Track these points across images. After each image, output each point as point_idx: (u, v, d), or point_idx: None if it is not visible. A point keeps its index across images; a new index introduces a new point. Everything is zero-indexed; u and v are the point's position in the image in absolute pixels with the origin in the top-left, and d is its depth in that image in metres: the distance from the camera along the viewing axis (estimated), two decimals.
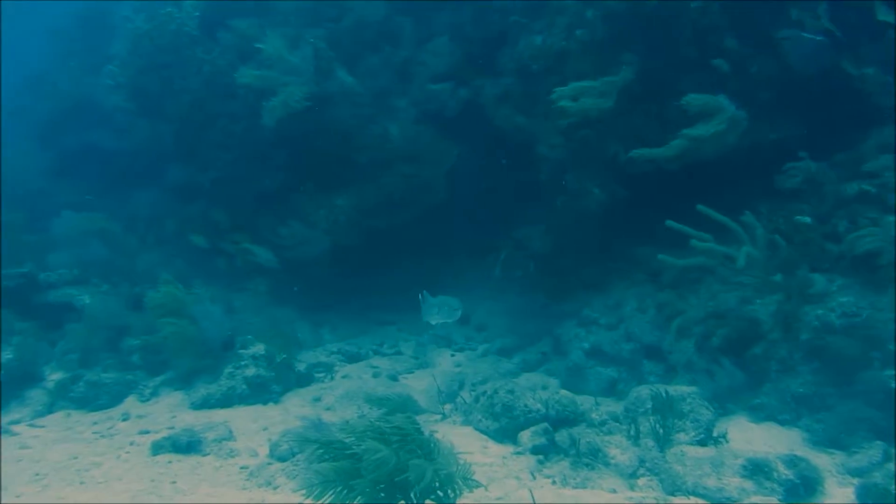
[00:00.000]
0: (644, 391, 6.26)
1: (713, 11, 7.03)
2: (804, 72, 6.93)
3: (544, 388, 7.59)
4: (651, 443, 5.65)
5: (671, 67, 7.42)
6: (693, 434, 5.66)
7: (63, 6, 15.10)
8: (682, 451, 5.40)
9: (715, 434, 5.71)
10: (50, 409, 8.00)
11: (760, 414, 6.09)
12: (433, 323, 6.79)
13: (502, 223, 9.85)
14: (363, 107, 10.11)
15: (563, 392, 6.76)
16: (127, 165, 12.37)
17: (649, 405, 6.02)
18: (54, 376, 8.30)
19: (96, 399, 8.11)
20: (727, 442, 5.64)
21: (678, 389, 6.08)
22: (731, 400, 6.31)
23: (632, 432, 5.83)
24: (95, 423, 7.61)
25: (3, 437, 7.11)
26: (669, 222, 6.38)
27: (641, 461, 5.50)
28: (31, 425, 7.57)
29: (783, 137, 7.25)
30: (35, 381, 8.24)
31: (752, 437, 5.79)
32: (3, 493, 5.60)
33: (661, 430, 5.63)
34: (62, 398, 8.08)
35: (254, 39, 9.80)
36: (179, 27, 10.41)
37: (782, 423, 5.97)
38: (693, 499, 5.05)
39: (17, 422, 7.60)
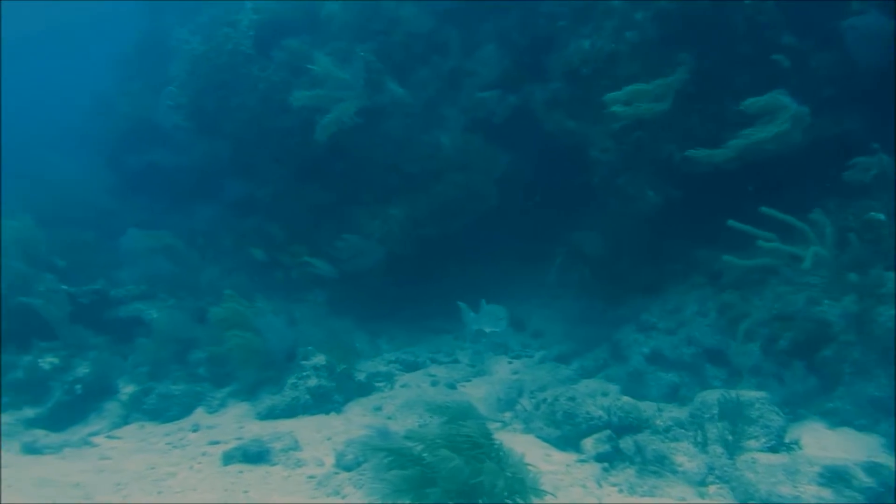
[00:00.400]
0: (709, 396, 6.14)
1: (768, 8, 6.89)
2: (867, 64, 6.72)
3: (604, 394, 7.49)
4: (720, 449, 5.54)
5: (726, 66, 7.29)
6: (764, 440, 5.52)
7: (126, 31, 15.73)
8: (752, 458, 5.28)
9: (787, 440, 5.55)
10: (125, 420, 8.28)
11: (834, 419, 5.86)
12: (485, 330, 6.81)
13: (555, 228, 9.81)
14: (414, 117, 10.24)
15: (625, 398, 6.68)
16: (187, 182, 12.79)
17: (715, 411, 5.90)
18: (127, 389, 8.59)
19: (167, 411, 8.37)
20: (800, 448, 5.47)
21: (745, 394, 5.94)
22: (803, 405, 6.11)
23: (699, 439, 5.73)
24: (167, 434, 7.86)
25: (84, 448, 7.42)
26: (732, 222, 6.26)
27: (710, 468, 5.40)
28: (109, 437, 7.86)
29: (846, 132, 7.04)
30: (110, 394, 8.54)
31: (826, 444, 5.60)
32: (84, 500, 5.84)
33: (730, 437, 5.52)
34: (136, 410, 8.37)
35: (306, 56, 10.03)
36: (235, 46, 10.72)
37: (859, 428, 5.73)
38: None
39: (96, 433, 7.91)
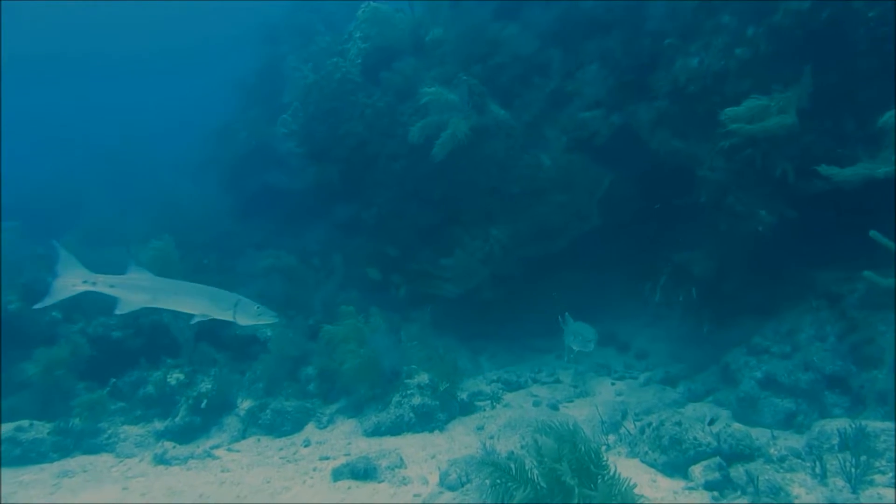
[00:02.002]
0: (829, 425, 5.85)
1: (891, 19, 6.56)
2: None
3: (714, 419, 7.30)
4: (841, 482, 5.27)
5: (845, 81, 6.98)
6: (891, 475, 5.21)
7: (247, 58, 16.74)
8: (879, 493, 5.00)
9: None
10: (244, 434, 8.78)
11: None
12: (574, 348, 6.70)
13: (660, 248, 9.63)
14: (516, 138, 10.35)
15: (736, 425, 6.48)
16: (299, 205, 13.44)
17: (836, 441, 5.63)
18: (245, 404, 9.09)
19: (281, 426, 8.80)
20: None
21: (870, 425, 5.63)
22: None
23: (817, 470, 5.48)
24: (281, 449, 8.26)
25: (207, 460, 7.93)
26: (874, 233, 5.98)
27: (831, 502, 5.15)
28: (229, 449, 8.36)
29: None
30: (230, 409, 9.08)
31: None
32: None
33: (853, 469, 5.24)
34: (253, 424, 8.85)
35: (411, 82, 10.39)
36: (344, 75, 11.24)
37: None
38: None
39: (217, 446, 8.43)
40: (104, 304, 10.10)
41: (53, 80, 37.69)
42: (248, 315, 5.26)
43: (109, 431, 8.49)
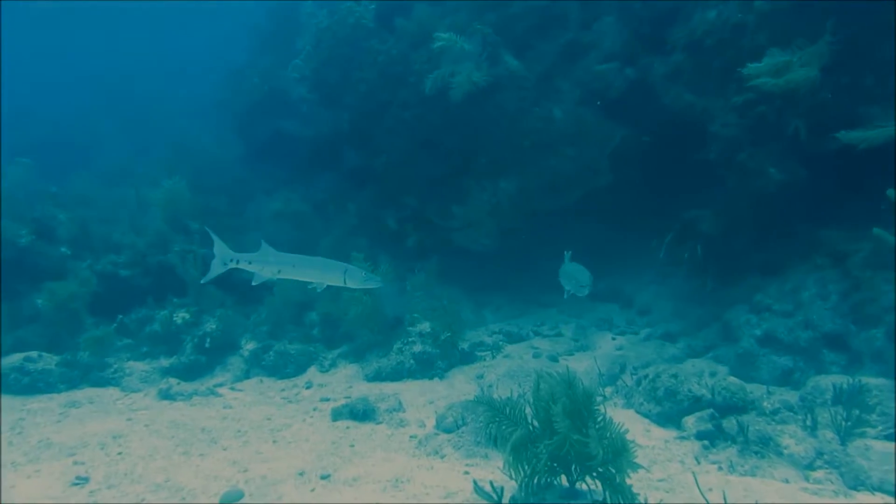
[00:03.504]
0: (823, 381, 5.90)
1: None
2: None
3: (712, 374, 7.35)
4: (831, 434, 5.31)
5: (865, 35, 6.79)
6: (881, 428, 5.26)
7: (259, 4, 16.51)
8: (866, 444, 5.05)
9: None
10: (247, 374, 8.97)
11: None
12: (567, 289, 6.64)
13: (669, 205, 9.55)
14: (528, 90, 10.22)
15: (732, 379, 6.51)
16: (310, 151, 13.42)
17: (829, 395, 5.66)
18: (249, 346, 9.25)
19: (284, 368, 8.96)
20: None
21: (864, 381, 5.65)
22: None
23: (808, 423, 5.52)
24: (283, 390, 8.43)
25: (210, 397, 8.11)
26: (891, 191, 5.91)
27: (819, 453, 5.20)
28: (232, 388, 8.55)
29: None
30: (234, 350, 9.25)
31: None
32: (211, 445, 6.40)
33: (843, 422, 5.27)
34: (256, 366, 9.03)
35: (426, 29, 10.23)
36: (358, 20, 11.09)
37: None
38: (879, 495, 4.71)
39: (221, 385, 8.63)
40: (112, 241, 10.33)
41: (70, 20, 37.42)
42: (356, 280, 5.94)
43: (116, 366, 8.68)
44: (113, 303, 9.31)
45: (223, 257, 6.06)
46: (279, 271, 6.00)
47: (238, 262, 6.05)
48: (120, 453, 6.06)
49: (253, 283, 6.09)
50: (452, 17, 10.46)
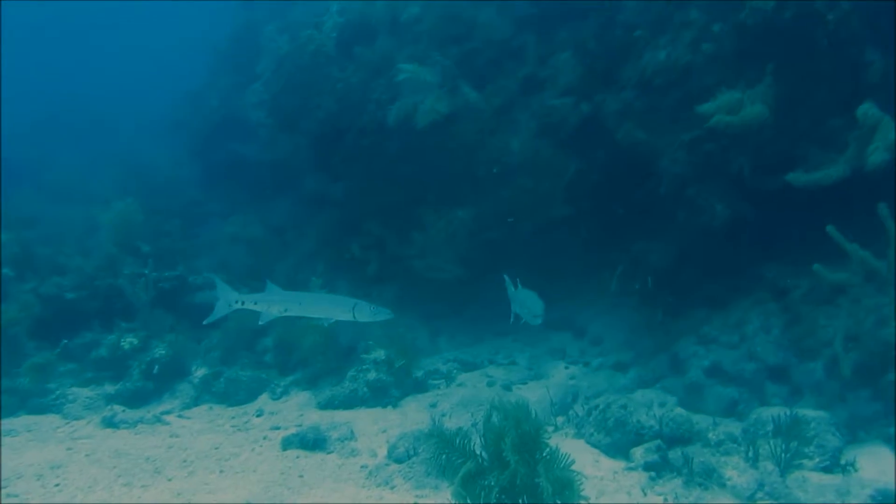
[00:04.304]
0: (766, 413, 6.06)
1: (853, 23, 6.71)
2: None
3: (661, 404, 7.46)
4: (771, 466, 5.46)
5: (804, 81, 7.14)
6: (818, 460, 5.43)
7: (219, 25, 16.41)
8: (804, 476, 5.21)
9: (842, 462, 5.45)
10: (196, 401, 8.79)
11: None
12: (520, 319, 6.52)
13: (620, 237, 9.77)
14: (486, 121, 10.38)
15: (679, 410, 6.66)
16: (267, 176, 13.35)
17: (770, 427, 5.82)
18: (199, 372, 9.09)
19: (235, 395, 8.83)
20: (856, 470, 5.37)
21: (804, 413, 5.84)
22: (864, 428, 5.98)
23: (750, 454, 5.67)
24: (233, 418, 8.29)
25: (157, 425, 7.91)
26: (831, 228, 6.15)
27: (760, 484, 5.34)
28: (180, 416, 8.37)
29: None
30: (184, 376, 9.08)
31: (885, 468, 5.45)
32: (155, 475, 6.25)
33: (783, 454, 5.43)
34: (206, 392, 8.87)
35: (386, 58, 10.36)
36: (318, 48, 11.16)
37: None
38: None
39: (168, 412, 8.44)
40: (58, 263, 10.07)
41: (24, 32, 36.70)
42: (365, 314, 6.00)
43: (58, 392, 8.44)
44: (58, 327, 9.07)
45: (227, 299, 6.12)
46: (285, 310, 6.07)
47: (244, 303, 6.12)
48: (57, 485, 5.88)
49: (260, 323, 6.15)
50: (413, 48, 10.62)
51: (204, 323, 6.86)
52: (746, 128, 7.21)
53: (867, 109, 6.29)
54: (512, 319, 6.62)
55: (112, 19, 38.88)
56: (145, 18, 39.00)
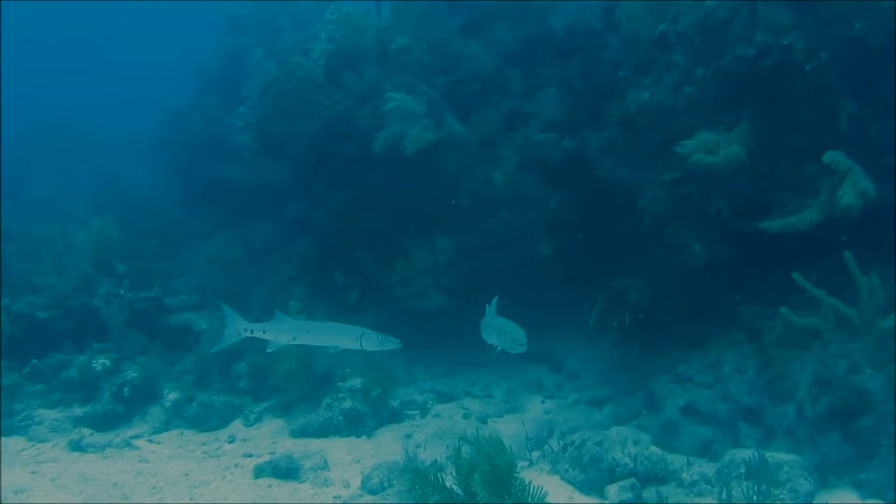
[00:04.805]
0: (739, 454, 6.11)
1: (830, 74, 6.91)
2: None
3: (635, 442, 7.47)
4: None
5: (782, 128, 7.32)
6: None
7: (208, 45, 16.43)
8: None
9: None
10: (166, 426, 8.63)
11: (867, 490, 5.77)
12: (497, 347, 6.30)
13: (600, 272, 9.84)
14: (470, 153, 10.47)
15: (654, 448, 6.68)
16: (248, 199, 13.30)
17: (744, 469, 5.86)
18: (171, 395, 8.92)
19: (207, 420, 8.69)
20: None
21: (776, 456, 5.89)
22: (835, 472, 6.02)
23: (723, 496, 5.69)
24: (205, 444, 8.16)
25: (126, 450, 7.76)
26: (796, 275, 6.25)
27: None
28: (150, 440, 8.22)
29: None
30: (155, 399, 8.91)
31: None
32: (124, 500, 6.13)
33: (755, 497, 5.46)
34: (177, 417, 8.71)
35: (373, 87, 10.45)
36: (306, 74, 11.22)
37: (891, 501, 5.63)
38: None
39: (138, 436, 8.28)
40: (32, 281, 9.91)
41: (7, 44, 36.45)
42: (372, 344, 6.09)
43: (24, 414, 8.26)
44: (28, 346, 8.90)
45: (236, 327, 6.12)
46: (294, 338, 6.13)
47: (252, 331, 6.15)
48: None
49: (268, 350, 6.21)
50: (400, 78, 10.71)
51: (212, 351, 7.17)
52: (725, 167, 7.34)
53: (834, 156, 6.47)
54: (487, 348, 6.50)
55: (96, 37, 38.81)
56: (130, 37, 38.98)
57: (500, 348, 6.25)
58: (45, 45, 38.14)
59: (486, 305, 6.71)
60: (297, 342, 6.19)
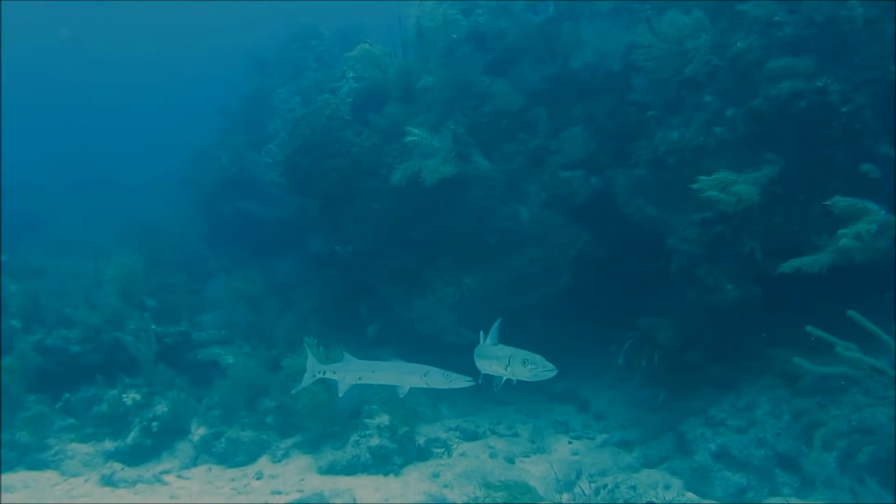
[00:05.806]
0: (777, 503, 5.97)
1: (866, 116, 6.91)
2: None
3: (667, 486, 7.36)
4: None
5: (817, 169, 7.31)
6: None
7: (233, 86, 16.84)
8: None
9: None
10: (195, 461, 8.62)
11: None
12: (490, 373, 5.87)
13: (627, 312, 9.79)
14: (496, 190, 10.54)
15: (689, 494, 6.57)
16: (274, 234, 13.44)
17: None
18: (199, 431, 8.93)
19: (234, 456, 8.67)
20: None
21: None
22: None
23: None
24: (233, 480, 8.13)
25: (156, 485, 7.75)
26: (810, 328, 6.18)
27: None
28: (179, 476, 8.21)
29: None
30: (183, 434, 8.92)
31: None
32: None
33: None
34: (205, 452, 8.70)
35: (399, 124, 10.57)
36: (334, 112, 11.37)
37: None
38: None
39: (167, 471, 8.27)
40: (64, 315, 10.01)
41: (33, 83, 37.37)
42: (438, 382, 6.03)
43: (57, 448, 8.29)
44: (62, 380, 8.97)
45: (313, 370, 6.48)
46: (360, 378, 6.28)
47: (325, 373, 6.45)
48: None
49: (339, 394, 6.36)
50: (425, 115, 10.84)
51: (292, 392, 7.67)
52: (734, 205, 7.40)
53: (837, 201, 6.61)
54: (480, 379, 5.86)
55: (121, 77, 39.67)
56: (153, 78, 39.80)
57: (505, 379, 5.72)
58: (72, 88, 39.00)
59: (481, 332, 6.09)
60: (362, 381, 6.31)
